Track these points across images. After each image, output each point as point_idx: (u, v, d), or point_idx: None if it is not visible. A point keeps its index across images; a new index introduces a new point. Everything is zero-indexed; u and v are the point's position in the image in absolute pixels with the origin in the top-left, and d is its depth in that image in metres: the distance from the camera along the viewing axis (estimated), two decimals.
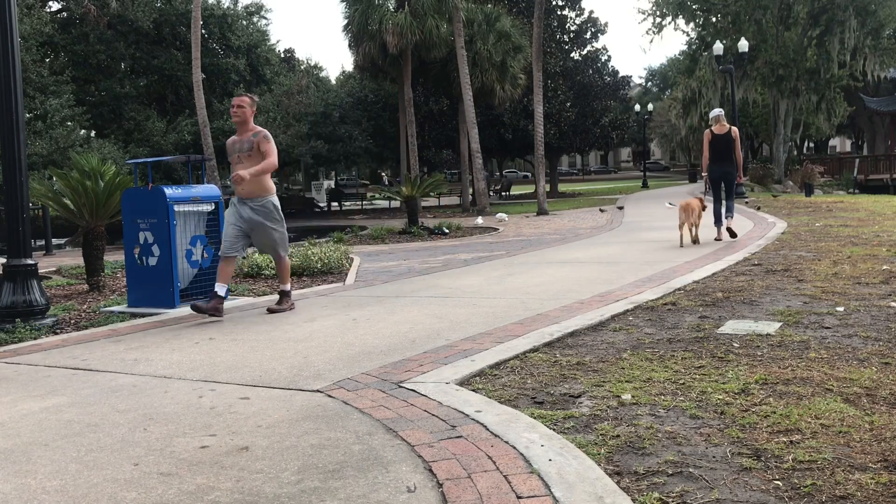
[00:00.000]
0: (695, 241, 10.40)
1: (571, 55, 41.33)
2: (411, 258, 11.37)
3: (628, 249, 10.32)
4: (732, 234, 10.56)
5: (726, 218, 10.68)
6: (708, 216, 10.91)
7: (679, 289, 6.47)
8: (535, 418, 3.16)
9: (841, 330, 4.65)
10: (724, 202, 10.76)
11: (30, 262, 6.29)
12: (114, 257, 10.32)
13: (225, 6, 36.39)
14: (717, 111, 11.03)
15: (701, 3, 35.40)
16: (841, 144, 75.22)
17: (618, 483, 2.50)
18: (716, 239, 10.67)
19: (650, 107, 53.14)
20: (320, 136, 35.39)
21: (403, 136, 30.67)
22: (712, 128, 10.78)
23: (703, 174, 11.23)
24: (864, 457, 2.66)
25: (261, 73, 38.28)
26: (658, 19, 36.66)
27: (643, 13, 40.44)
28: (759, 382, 3.57)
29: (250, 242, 6.58)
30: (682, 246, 10.10)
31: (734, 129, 10.83)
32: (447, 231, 16.80)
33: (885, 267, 7.18)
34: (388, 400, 3.52)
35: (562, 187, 46.51)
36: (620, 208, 22.43)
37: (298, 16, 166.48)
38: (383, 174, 60.61)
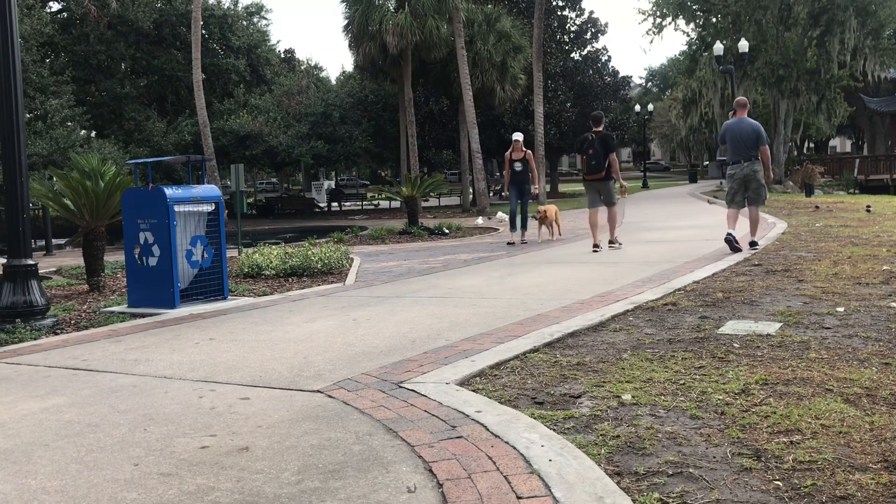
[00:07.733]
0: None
1: (572, 55, 41.35)
2: (411, 258, 11.37)
3: (628, 249, 10.32)
4: None
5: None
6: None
7: (679, 289, 6.47)
8: (535, 418, 3.16)
9: (841, 330, 4.64)
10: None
11: (30, 262, 6.29)
12: (114, 257, 10.32)
13: (225, 6, 36.45)
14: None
15: (701, 3, 35.36)
16: (841, 145, 75.14)
17: (618, 483, 2.50)
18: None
19: (650, 107, 53.00)
20: (320, 137, 35.40)
21: (403, 136, 30.69)
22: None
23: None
24: (864, 457, 2.66)
25: (261, 73, 38.33)
26: (658, 20, 36.62)
27: (643, 13, 40.39)
28: (760, 383, 3.57)
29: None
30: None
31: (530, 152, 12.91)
32: (447, 231, 16.80)
33: (885, 267, 7.18)
34: (389, 400, 3.52)
35: (562, 188, 46.53)
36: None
37: (298, 16, 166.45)
38: (384, 174, 60.69)
